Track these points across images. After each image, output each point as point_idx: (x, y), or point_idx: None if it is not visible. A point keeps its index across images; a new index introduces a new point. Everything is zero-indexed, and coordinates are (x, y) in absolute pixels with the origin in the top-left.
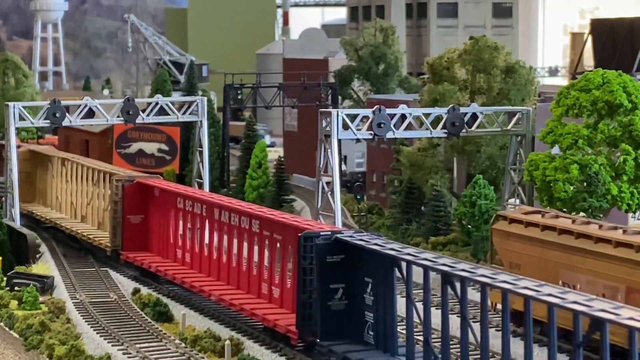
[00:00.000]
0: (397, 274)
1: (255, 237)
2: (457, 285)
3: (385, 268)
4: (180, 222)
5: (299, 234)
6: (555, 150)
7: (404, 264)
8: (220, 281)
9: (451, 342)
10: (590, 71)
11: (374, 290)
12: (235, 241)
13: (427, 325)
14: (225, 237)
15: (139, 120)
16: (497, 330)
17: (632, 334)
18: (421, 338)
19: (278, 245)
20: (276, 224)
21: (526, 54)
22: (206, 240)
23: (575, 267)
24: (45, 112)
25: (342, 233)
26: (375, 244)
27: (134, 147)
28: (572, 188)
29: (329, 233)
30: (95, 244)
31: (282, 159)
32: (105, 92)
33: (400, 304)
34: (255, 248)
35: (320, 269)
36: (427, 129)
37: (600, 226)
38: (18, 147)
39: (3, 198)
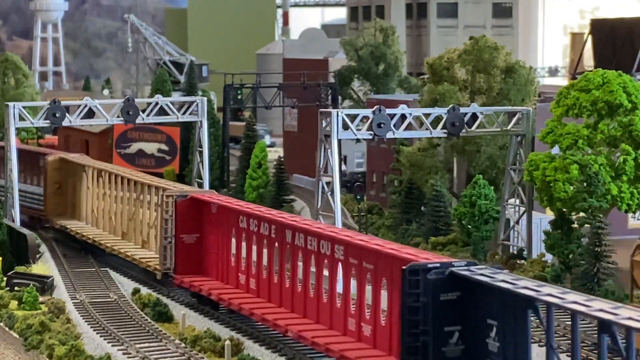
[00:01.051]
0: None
1: (338, 265)
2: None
3: (517, 309)
4: (244, 244)
5: (403, 267)
6: (555, 150)
7: (543, 307)
8: (295, 313)
9: None
10: (590, 71)
11: (499, 334)
12: (313, 269)
13: None
14: (301, 263)
15: (139, 120)
16: None
17: None
18: None
19: (368, 275)
20: (367, 251)
21: (526, 54)
22: (276, 266)
23: None
24: (45, 112)
25: (455, 265)
26: (503, 281)
27: (134, 147)
28: (572, 188)
29: (440, 265)
30: (142, 266)
31: (282, 159)
32: (105, 92)
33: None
34: (339, 278)
35: (431, 308)
36: (427, 129)
37: None
38: (47, 154)
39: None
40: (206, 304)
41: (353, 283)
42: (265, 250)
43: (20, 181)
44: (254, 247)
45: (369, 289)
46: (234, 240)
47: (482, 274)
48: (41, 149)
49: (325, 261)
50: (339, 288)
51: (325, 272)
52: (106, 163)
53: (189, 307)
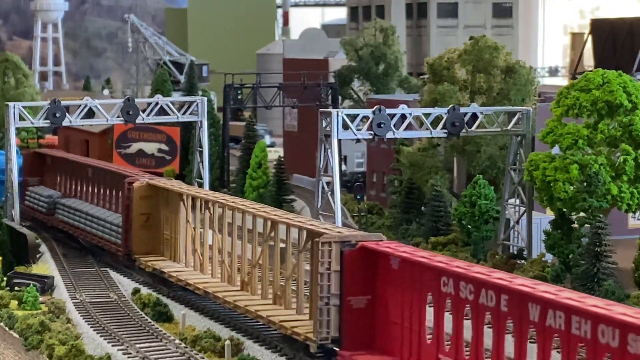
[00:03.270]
0: None
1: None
2: None
3: None
4: (450, 316)
5: None
6: (555, 150)
7: None
8: None
9: None
10: (590, 71)
11: None
12: None
13: None
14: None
15: (139, 120)
16: None
17: None
18: None
19: None
20: None
21: (526, 54)
22: (510, 353)
23: None
24: (45, 112)
25: None
26: None
27: (134, 147)
28: (572, 188)
29: None
30: (285, 332)
31: (282, 159)
32: (105, 92)
33: None
34: None
35: None
36: (427, 129)
37: None
38: (132, 182)
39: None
40: None
41: None
42: (489, 327)
43: (90, 202)
44: (470, 324)
45: None
46: (431, 310)
47: None
48: (122, 168)
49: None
50: None
51: None
52: (212, 192)
53: (189, 307)
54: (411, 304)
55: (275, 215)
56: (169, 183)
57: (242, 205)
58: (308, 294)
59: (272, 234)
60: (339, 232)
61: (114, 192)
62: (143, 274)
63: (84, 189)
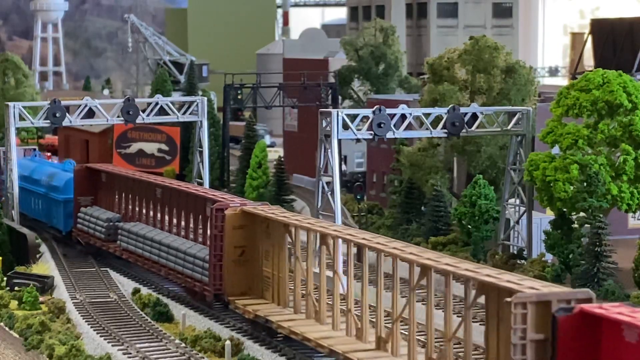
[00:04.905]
0: None
1: None
2: None
3: None
4: None
5: None
6: (555, 150)
7: None
8: None
9: None
10: (590, 71)
11: None
12: None
13: None
14: None
15: (139, 120)
16: None
17: None
18: None
19: None
20: None
21: (526, 54)
22: None
23: None
24: (45, 112)
25: None
26: None
27: (134, 147)
28: (572, 188)
29: None
30: None
31: (282, 159)
32: (105, 92)
33: None
34: None
35: None
36: (427, 129)
37: None
38: (222, 207)
39: (3, 198)
40: None
41: None
42: None
43: (161, 228)
44: None
45: None
46: None
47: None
48: (202, 189)
49: None
50: None
51: None
52: (327, 222)
53: (189, 307)
54: None
55: (428, 259)
56: (268, 210)
57: (377, 243)
58: None
59: (424, 282)
60: (529, 285)
61: (191, 217)
62: (231, 316)
63: (151, 212)
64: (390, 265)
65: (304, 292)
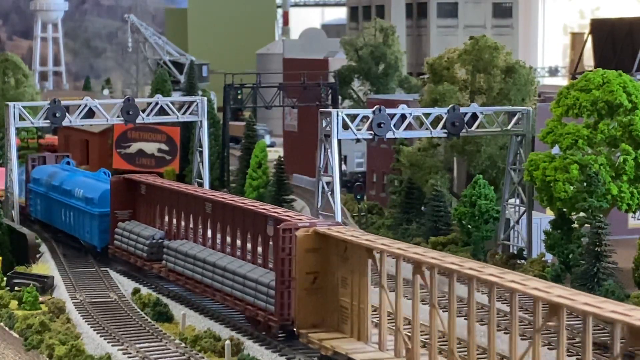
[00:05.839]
0: None
1: None
2: None
3: None
4: None
5: None
6: (555, 150)
7: None
8: None
9: None
10: (590, 71)
11: None
12: None
13: None
14: None
15: (139, 120)
16: None
17: None
18: None
19: None
20: None
21: (526, 54)
22: None
23: None
24: (45, 112)
25: None
26: None
27: (134, 147)
28: (572, 188)
29: None
30: None
31: (282, 159)
32: (105, 92)
33: None
34: None
35: None
36: (427, 129)
37: None
38: (291, 227)
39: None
40: None
41: None
42: None
43: (212, 248)
44: None
45: None
46: None
47: None
48: (261, 205)
49: None
50: None
51: None
52: (420, 248)
53: (189, 307)
54: None
55: (560, 297)
56: (346, 231)
57: (489, 275)
58: None
59: (554, 323)
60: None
61: (248, 236)
62: (300, 349)
63: (200, 229)
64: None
65: (392, 326)
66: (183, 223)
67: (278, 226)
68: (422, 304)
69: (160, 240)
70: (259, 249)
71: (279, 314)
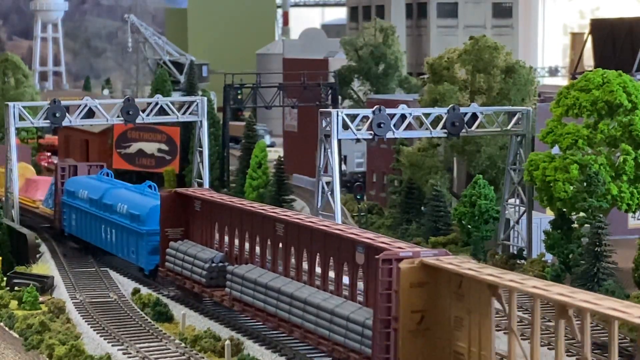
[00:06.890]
0: None
1: None
2: None
3: None
4: None
5: None
6: (555, 150)
7: None
8: None
9: None
10: (590, 71)
11: None
12: None
13: None
14: None
15: (139, 120)
16: None
17: None
18: None
19: None
20: None
21: (526, 54)
22: None
23: None
24: (45, 112)
25: None
26: None
27: (134, 147)
28: (572, 188)
29: None
30: None
31: (282, 159)
32: (105, 92)
33: None
34: None
35: None
36: (427, 129)
37: None
38: (392, 258)
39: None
40: None
41: None
42: None
43: (285, 275)
44: None
45: None
46: None
47: None
48: (346, 228)
49: None
50: None
51: None
52: (565, 287)
53: (189, 307)
54: None
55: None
56: (459, 263)
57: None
58: None
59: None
60: None
61: (331, 262)
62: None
63: (269, 253)
64: None
65: None
66: (247, 245)
67: (377, 256)
68: (568, 355)
69: (221, 264)
70: (344, 279)
71: (379, 358)
